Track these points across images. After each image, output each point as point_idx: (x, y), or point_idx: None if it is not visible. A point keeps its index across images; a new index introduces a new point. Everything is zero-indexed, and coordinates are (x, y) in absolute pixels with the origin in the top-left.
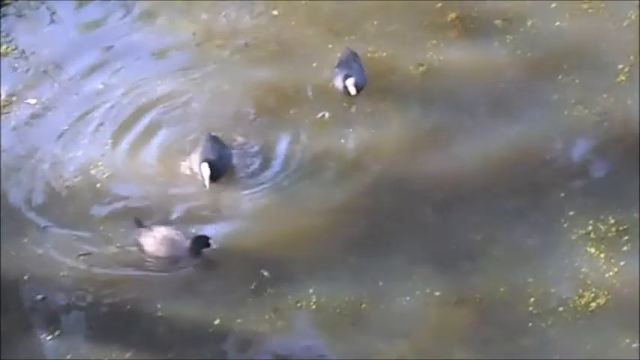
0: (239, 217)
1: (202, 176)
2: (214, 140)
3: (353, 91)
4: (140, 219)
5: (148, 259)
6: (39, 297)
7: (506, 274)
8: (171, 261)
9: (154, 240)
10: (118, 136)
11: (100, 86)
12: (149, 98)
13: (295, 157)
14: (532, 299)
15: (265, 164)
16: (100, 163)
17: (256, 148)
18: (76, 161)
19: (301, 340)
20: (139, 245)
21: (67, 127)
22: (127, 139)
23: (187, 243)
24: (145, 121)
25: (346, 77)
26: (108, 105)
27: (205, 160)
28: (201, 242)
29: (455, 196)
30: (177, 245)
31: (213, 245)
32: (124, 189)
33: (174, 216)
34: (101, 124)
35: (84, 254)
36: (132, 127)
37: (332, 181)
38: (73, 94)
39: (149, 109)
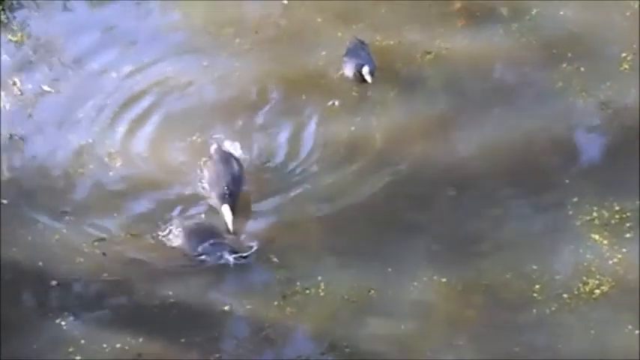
0: (248, 203)
1: (225, 218)
2: (227, 161)
3: (369, 79)
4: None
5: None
6: (53, 283)
7: (511, 260)
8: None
9: (184, 234)
10: (131, 122)
11: (114, 74)
12: (160, 85)
13: (305, 145)
14: (537, 286)
15: (275, 152)
16: (114, 150)
17: (265, 137)
18: (91, 147)
19: (310, 327)
20: (171, 236)
21: (81, 115)
22: (140, 125)
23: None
24: (158, 108)
25: (361, 66)
26: (120, 91)
27: (226, 201)
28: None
29: (462, 183)
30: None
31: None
32: (138, 177)
33: (188, 205)
34: (114, 110)
35: (99, 240)
36: (144, 114)
37: (342, 168)
38: (86, 80)
39: (161, 96)
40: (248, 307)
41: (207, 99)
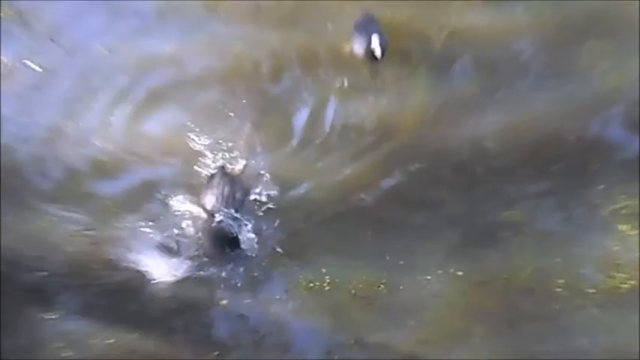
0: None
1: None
2: (230, 194)
3: (379, 52)
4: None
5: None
6: (41, 273)
7: (533, 253)
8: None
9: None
10: (124, 105)
11: (105, 52)
12: (156, 64)
13: (313, 130)
14: (561, 280)
15: (280, 137)
16: (107, 134)
17: (270, 120)
18: (82, 131)
19: (314, 324)
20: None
21: (71, 95)
22: (134, 107)
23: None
24: (153, 88)
25: (370, 39)
26: (113, 71)
27: (227, 246)
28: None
29: (480, 169)
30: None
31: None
32: (132, 163)
33: (188, 193)
34: (107, 92)
35: (88, 230)
36: (139, 95)
37: (352, 153)
38: (78, 59)
39: (157, 75)
40: (247, 301)
41: (204, 77)
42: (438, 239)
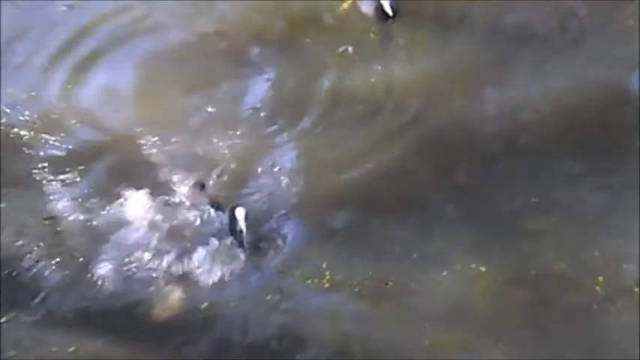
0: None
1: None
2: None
3: (390, 10)
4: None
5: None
6: None
7: (567, 245)
8: None
9: None
10: (83, 71)
11: (63, 8)
12: (123, 24)
13: (313, 101)
14: (600, 277)
15: (277, 109)
16: (65, 105)
17: (264, 88)
18: (39, 101)
19: (311, 327)
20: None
21: (21, 60)
22: (95, 73)
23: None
24: (113, 49)
25: None
26: (72, 31)
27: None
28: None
29: (505, 147)
30: None
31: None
32: (91, 136)
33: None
34: (63, 55)
35: (48, 218)
36: (100, 59)
37: (357, 129)
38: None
39: (127, 37)
40: (233, 304)
41: (180, 40)
42: (455, 229)
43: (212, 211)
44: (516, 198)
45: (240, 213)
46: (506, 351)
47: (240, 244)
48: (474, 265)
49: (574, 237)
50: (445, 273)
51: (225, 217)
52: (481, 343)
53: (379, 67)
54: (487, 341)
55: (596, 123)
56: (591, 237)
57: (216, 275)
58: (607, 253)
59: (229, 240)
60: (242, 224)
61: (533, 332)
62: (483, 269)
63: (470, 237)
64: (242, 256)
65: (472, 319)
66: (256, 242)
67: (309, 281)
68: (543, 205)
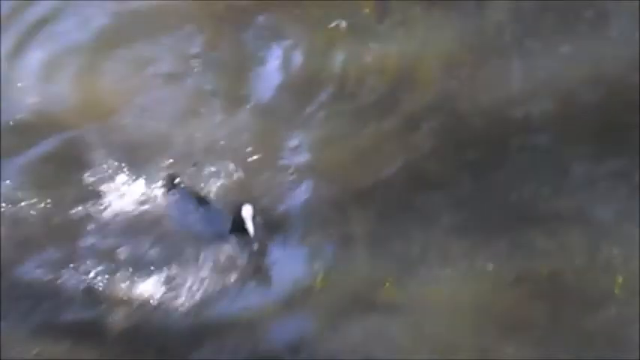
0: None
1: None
2: None
3: None
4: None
5: None
6: None
7: (582, 241)
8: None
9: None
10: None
11: None
12: None
13: (299, 83)
14: (619, 278)
15: (262, 90)
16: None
17: (248, 64)
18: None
19: (301, 330)
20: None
21: None
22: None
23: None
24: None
25: None
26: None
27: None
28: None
29: (518, 136)
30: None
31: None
32: (33, 116)
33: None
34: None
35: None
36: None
37: (351, 115)
38: None
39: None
40: (215, 308)
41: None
42: (460, 224)
43: (201, 209)
44: (528, 192)
45: (247, 211)
46: (516, 358)
47: (246, 245)
48: (479, 264)
49: (589, 232)
50: (448, 272)
51: (215, 216)
52: (486, 349)
53: (374, 46)
54: (493, 347)
55: (614, 113)
56: (607, 233)
57: (196, 272)
58: (626, 251)
59: (229, 240)
60: (249, 224)
61: (545, 338)
62: (491, 268)
63: (475, 234)
64: (242, 259)
65: (477, 322)
66: (263, 241)
67: (299, 283)
68: (557, 198)
